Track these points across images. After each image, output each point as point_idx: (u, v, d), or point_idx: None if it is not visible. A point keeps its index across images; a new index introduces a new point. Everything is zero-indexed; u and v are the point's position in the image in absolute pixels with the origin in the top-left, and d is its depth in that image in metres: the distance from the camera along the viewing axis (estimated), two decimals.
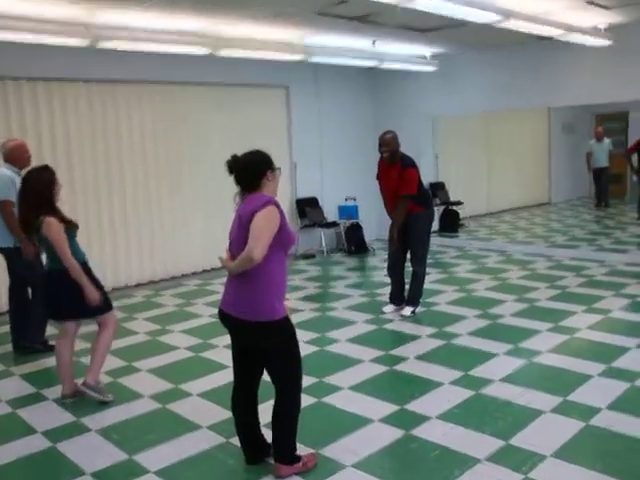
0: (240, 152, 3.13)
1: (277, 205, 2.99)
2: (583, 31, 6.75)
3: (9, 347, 5.43)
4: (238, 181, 3.08)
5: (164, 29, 6.37)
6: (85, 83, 7.15)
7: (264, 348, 3.08)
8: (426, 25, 6.98)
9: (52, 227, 3.97)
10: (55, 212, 4.07)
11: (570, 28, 6.41)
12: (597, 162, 11.57)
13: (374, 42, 7.85)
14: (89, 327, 4.73)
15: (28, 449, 3.64)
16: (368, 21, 6.61)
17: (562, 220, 11.96)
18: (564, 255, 8.52)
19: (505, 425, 3.64)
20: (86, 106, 7.20)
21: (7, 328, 5.53)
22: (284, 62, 8.17)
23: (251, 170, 3.06)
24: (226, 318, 3.12)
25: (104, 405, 4.17)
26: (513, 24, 5.81)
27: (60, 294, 4.09)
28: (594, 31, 7.01)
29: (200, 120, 8.22)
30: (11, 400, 4.36)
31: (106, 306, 4.27)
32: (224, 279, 3.22)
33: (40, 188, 4.05)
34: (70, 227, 4.12)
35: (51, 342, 5.42)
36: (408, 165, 5.77)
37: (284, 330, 3.08)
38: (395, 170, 5.77)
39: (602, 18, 6.81)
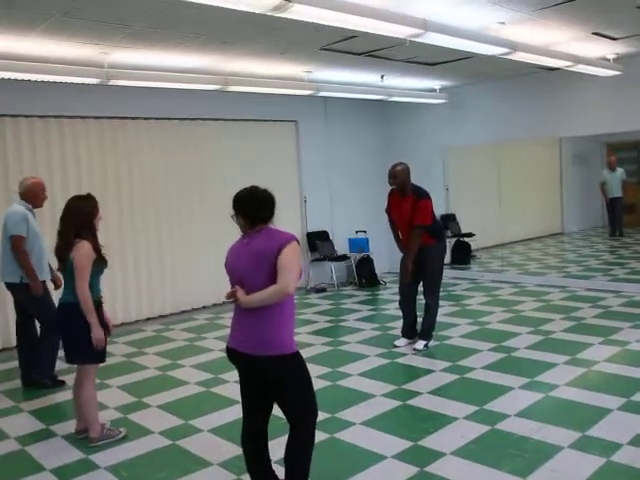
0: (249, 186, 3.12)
1: (298, 242, 3.02)
2: (591, 62, 6.76)
3: (18, 382, 5.41)
4: (257, 212, 3.03)
5: (174, 66, 6.48)
6: (96, 120, 7.26)
7: (279, 383, 3.01)
8: (434, 59, 7.05)
9: (82, 250, 3.86)
10: (94, 239, 3.98)
11: (577, 59, 6.41)
12: (611, 192, 11.49)
13: (382, 77, 7.92)
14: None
15: None
16: (376, 56, 6.68)
17: (576, 250, 11.86)
18: (579, 286, 8.42)
19: (522, 462, 3.54)
20: (97, 142, 7.29)
21: (16, 363, 5.52)
22: (293, 96, 8.25)
23: (270, 202, 3.07)
24: (237, 356, 3.06)
25: (115, 441, 4.11)
26: (519, 56, 5.84)
27: (71, 334, 3.97)
28: (602, 62, 7.03)
29: (210, 155, 8.29)
30: (20, 437, 4.32)
31: (99, 356, 4.04)
32: None
33: (80, 214, 3.96)
34: (100, 261, 4.02)
35: (60, 378, 5.40)
36: (423, 196, 5.74)
37: (298, 364, 3.03)
38: (408, 202, 5.75)
39: (609, 49, 6.84)
